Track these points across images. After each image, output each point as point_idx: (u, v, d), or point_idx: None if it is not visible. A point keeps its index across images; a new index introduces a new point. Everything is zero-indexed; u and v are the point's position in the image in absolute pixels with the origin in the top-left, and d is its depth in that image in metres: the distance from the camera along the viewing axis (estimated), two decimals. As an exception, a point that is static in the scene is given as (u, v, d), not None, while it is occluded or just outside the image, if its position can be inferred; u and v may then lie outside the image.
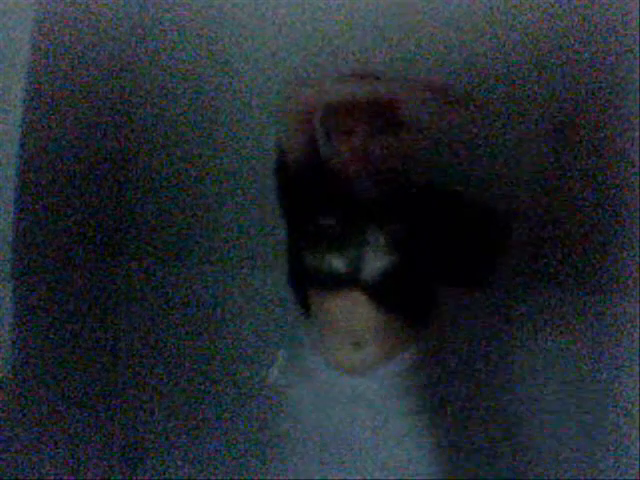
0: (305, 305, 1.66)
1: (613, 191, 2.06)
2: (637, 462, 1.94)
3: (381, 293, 1.53)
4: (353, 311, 1.53)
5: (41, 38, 1.72)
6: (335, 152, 1.58)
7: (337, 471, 1.56)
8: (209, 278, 2.24)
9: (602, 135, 2.06)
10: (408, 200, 1.60)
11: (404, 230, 1.55)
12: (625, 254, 2.04)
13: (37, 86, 1.73)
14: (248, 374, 2.21)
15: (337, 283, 1.55)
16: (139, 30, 2.23)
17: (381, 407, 1.54)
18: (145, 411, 2.25)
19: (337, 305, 1.55)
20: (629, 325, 2.01)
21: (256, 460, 2.18)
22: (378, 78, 1.54)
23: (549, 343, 2.08)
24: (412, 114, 1.58)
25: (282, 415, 1.66)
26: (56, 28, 1.79)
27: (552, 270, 2.08)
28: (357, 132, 1.53)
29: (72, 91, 1.92)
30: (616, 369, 2.03)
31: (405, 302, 1.56)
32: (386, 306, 1.53)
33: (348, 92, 1.51)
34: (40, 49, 1.72)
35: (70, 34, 1.87)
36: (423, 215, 1.57)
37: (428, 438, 1.54)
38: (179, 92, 2.24)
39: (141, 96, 2.25)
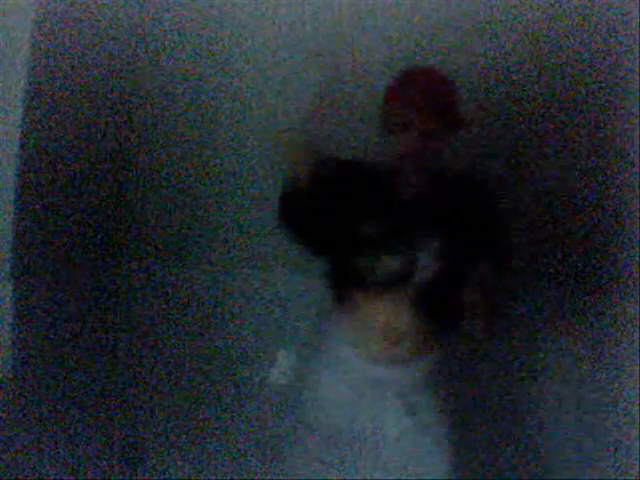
0: (340, 301, 1.70)
1: (613, 191, 2.06)
2: (637, 462, 1.94)
3: (422, 296, 1.59)
4: (393, 310, 1.60)
5: (41, 38, 1.72)
6: (391, 147, 1.61)
7: (366, 459, 1.62)
8: (209, 278, 2.24)
9: (602, 135, 2.06)
10: (453, 201, 1.63)
11: (450, 235, 1.60)
12: (625, 254, 2.04)
13: (37, 86, 1.72)
14: (248, 374, 2.21)
15: (382, 285, 1.60)
16: (139, 30, 2.23)
17: (409, 398, 1.62)
18: (145, 411, 2.25)
19: (378, 304, 1.61)
20: (629, 325, 2.01)
21: (256, 460, 2.18)
22: None
23: (549, 343, 2.08)
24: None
25: (314, 404, 1.69)
26: (56, 28, 1.79)
27: (552, 270, 2.08)
28: (414, 128, 1.56)
29: (72, 91, 1.91)
30: (616, 369, 2.03)
31: (443, 305, 1.61)
32: (425, 307, 1.60)
33: None
34: (40, 49, 1.72)
35: (70, 34, 1.87)
36: (467, 218, 1.62)
37: (441, 431, 1.63)
38: (179, 92, 2.24)
39: (141, 96, 2.25)
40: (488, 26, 2.09)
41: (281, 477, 2.03)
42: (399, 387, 1.62)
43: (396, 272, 1.59)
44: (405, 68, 1.69)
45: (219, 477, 2.19)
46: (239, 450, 2.20)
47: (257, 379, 2.21)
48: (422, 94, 1.57)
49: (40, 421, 1.83)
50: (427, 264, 1.58)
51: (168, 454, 2.23)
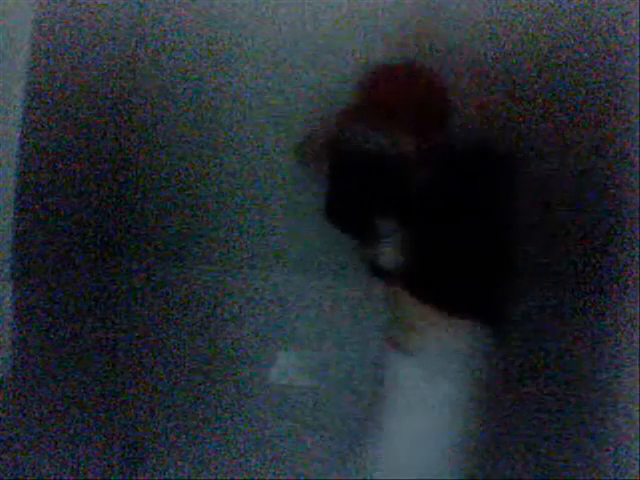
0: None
1: (613, 191, 2.06)
2: (637, 462, 1.94)
3: (419, 287, 1.59)
4: (401, 299, 1.63)
5: (41, 38, 1.72)
6: (391, 144, 1.60)
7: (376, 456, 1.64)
8: (209, 278, 2.25)
9: (602, 135, 2.06)
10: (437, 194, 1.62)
11: (440, 225, 1.58)
12: (625, 254, 2.04)
13: (37, 86, 1.72)
14: (248, 374, 2.21)
15: (383, 276, 1.64)
16: (139, 30, 2.24)
17: (423, 390, 1.63)
18: (145, 411, 2.25)
19: (389, 293, 1.66)
20: (629, 325, 2.01)
21: (256, 460, 2.18)
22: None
23: (549, 343, 2.08)
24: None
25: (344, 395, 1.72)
26: (56, 28, 1.79)
27: (552, 270, 2.08)
28: (383, 128, 1.57)
29: (72, 91, 1.91)
30: (616, 369, 2.03)
31: (443, 294, 1.61)
32: (425, 298, 1.60)
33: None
34: (40, 49, 1.72)
35: (70, 34, 1.87)
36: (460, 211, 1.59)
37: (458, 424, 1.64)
38: (179, 92, 2.24)
39: (141, 96, 2.25)
40: (488, 26, 2.09)
41: (281, 477, 2.04)
42: (414, 378, 1.63)
43: (381, 263, 1.62)
44: (374, 65, 1.68)
45: (219, 477, 2.19)
46: (239, 450, 2.20)
47: (257, 379, 2.21)
48: (389, 93, 1.58)
49: (40, 421, 1.83)
50: (410, 256, 1.58)
51: (168, 454, 2.24)
